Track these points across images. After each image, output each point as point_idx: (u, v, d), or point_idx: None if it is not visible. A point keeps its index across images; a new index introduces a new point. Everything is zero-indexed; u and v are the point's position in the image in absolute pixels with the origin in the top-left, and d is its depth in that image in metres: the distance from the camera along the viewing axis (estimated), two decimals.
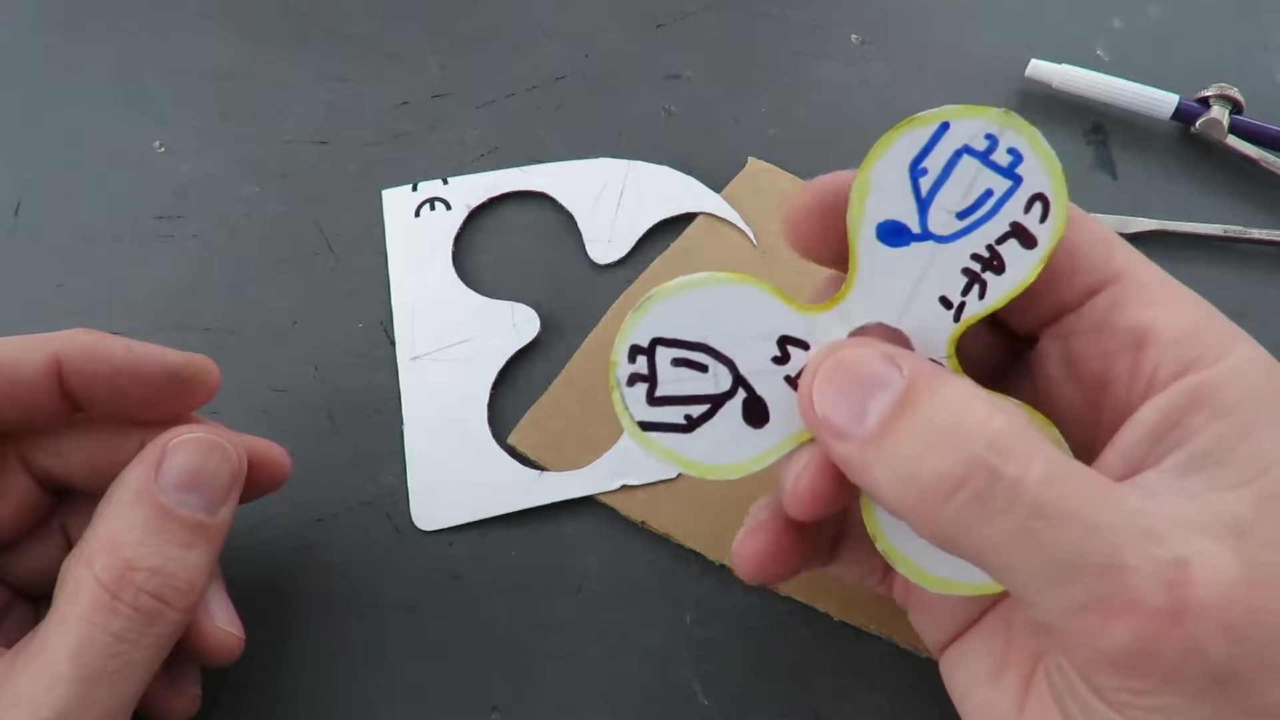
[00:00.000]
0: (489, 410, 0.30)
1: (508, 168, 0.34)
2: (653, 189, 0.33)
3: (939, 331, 0.20)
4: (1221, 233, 0.33)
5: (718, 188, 0.33)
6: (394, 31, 0.37)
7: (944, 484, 0.17)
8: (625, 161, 0.34)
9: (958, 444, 0.17)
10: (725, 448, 0.21)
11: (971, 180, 0.20)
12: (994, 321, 0.22)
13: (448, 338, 0.31)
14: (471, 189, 0.33)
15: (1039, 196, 0.20)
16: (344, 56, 0.36)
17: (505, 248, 0.33)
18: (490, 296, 0.31)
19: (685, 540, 0.28)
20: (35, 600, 0.25)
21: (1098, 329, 0.20)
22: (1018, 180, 0.20)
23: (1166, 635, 0.16)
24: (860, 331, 0.20)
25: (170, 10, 0.37)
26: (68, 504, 0.25)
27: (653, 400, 0.20)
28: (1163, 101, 0.35)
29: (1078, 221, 0.20)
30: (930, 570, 0.21)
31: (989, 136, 0.19)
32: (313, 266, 0.32)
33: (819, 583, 0.27)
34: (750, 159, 0.34)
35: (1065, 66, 0.35)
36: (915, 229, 0.20)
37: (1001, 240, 0.20)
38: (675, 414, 0.21)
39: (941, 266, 0.20)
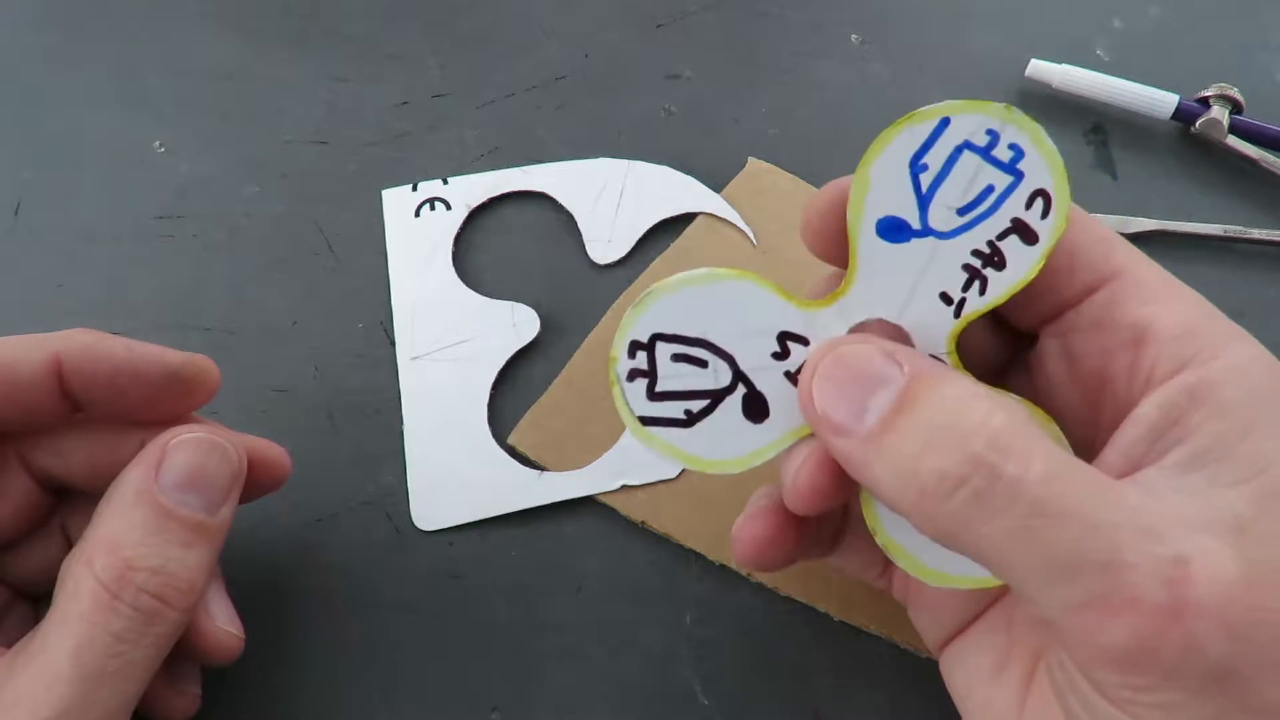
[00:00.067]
0: (489, 410, 0.30)
1: (508, 168, 0.34)
2: (653, 189, 0.33)
3: (939, 327, 0.20)
4: (1221, 233, 0.33)
5: (718, 188, 0.33)
6: (394, 31, 0.37)
7: (944, 482, 0.17)
8: (625, 161, 0.34)
9: (958, 442, 0.17)
10: (725, 443, 0.21)
11: (972, 176, 0.19)
12: (994, 319, 0.22)
13: (448, 338, 0.31)
14: (471, 189, 0.33)
15: (1040, 192, 0.19)
16: (344, 56, 0.36)
17: (505, 248, 0.33)
18: (490, 296, 0.31)
19: (685, 540, 0.28)
20: (35, 600, 0.25)
21: (1097, 326, 0.20)
22: (1019, 176, 0.19)
23: (1166, 633, 0.16)
24: (860, 327, 0.21)
25: (170, 10, 0.37)
26: (68, 504, 0.25)
27: (653, 395, 0.20)
28: (1163, 101, 0.35)
29: (1077, 220, 0.20)
30: (930, 565, 0.21)
31: (990, 132, 0.19)
32: (313, 266, 0.32)
33: (819, 582, 0.27)
34: (750, 159, 0.34)
35: (1065, 66, 0.35)
36: (915, 225, 0.20)
37: (1002, 236, 0.20)
38: (675, 409, 0.21)
39: (942, 262, 0.20)
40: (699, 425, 0.21)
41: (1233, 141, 0.34)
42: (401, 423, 0.30)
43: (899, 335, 0.20)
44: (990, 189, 0.20)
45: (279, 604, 0.27)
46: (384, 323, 0.31)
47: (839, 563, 0.25)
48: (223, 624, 0.24)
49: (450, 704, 0.26)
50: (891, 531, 0.21)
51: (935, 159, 0.19)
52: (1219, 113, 0.34)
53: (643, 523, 0.28)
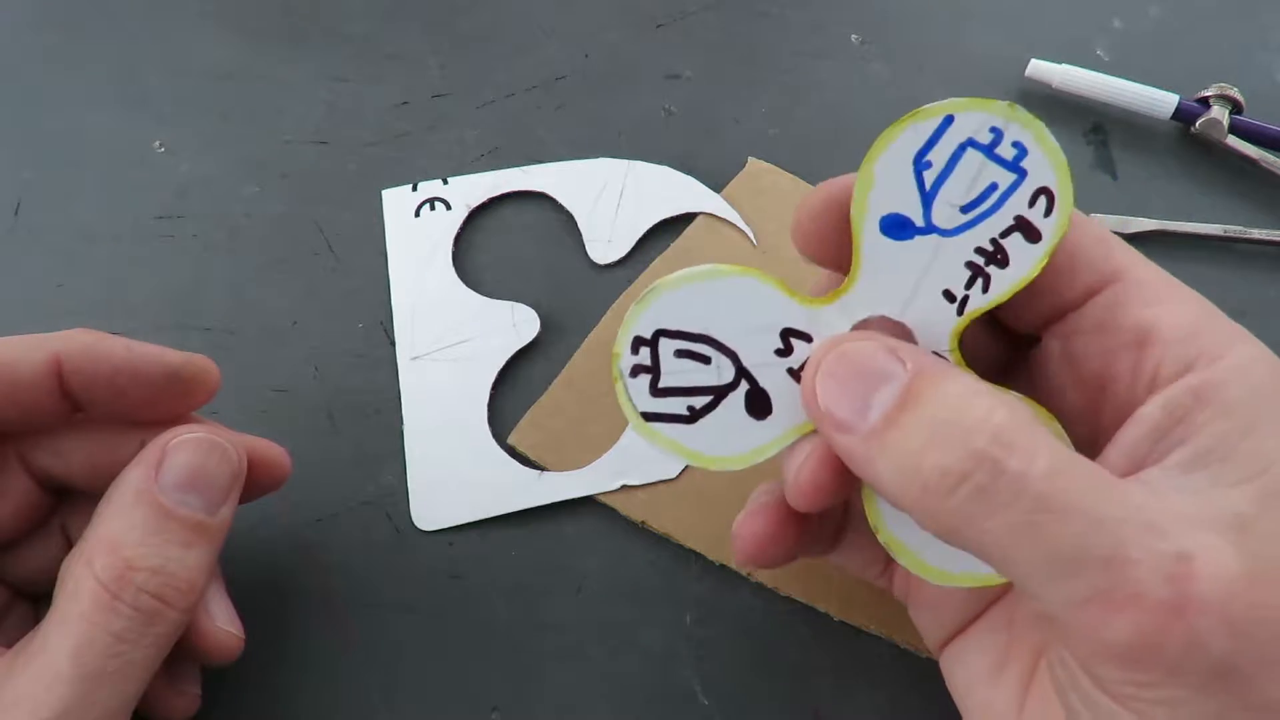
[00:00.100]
0: (489, 410, 0.30)
1: (508, 168, 0.34)
2: (653, 189, 0.33)
3: (942, 325, 0.20)
4: (1221, 233, 0.33)
5: (718, 188, 0.33)
6: (394, 31, 0.37)
7: (947, 478, 0.17)
8: (625, 161, 0.34)
9: (961, 438, 0.17)
10: (727, 439, 0.21)
11: (976, 174, 0.19)
12: (995, 321, 0.22)
13: (448, 338, 0.31)
14: (471, 189, 0.33)
15: (1044, 190, 0.19)
16: (344, 56, 0.36)
17: (505, 248, 0.33)
18: (490, 296, 0.31)
19: (685, 540, 0.28)
20: (35, 600, 0.25)
21: (1099, 328, 0.20)
22: (1022, 174, 0.19)
23: (1169, 629, 0.16)
24: (863, 324, 0.21)
25: (170, 10, 0.37)
26: (68, 504, 0.25)
27: (656, 391, 0.20)
28: (1163, 101, 0.35)
29: (1076, 223, 0.20)
30: (932, 562, 0.21)
31: (994, 130, 0.19)
32: (313, 266, 0.32)
33: (819, 582, 0.27)
34: (750, 159, 0.34)
35: (1065, 66, 0.35)
36: (919, 222, 0.20)
37: (1005, 234, 0.20)
38: (678, 405, 0.21)
39: (945, 260, 0.20)
40: (702, 421, 0.21)
41: (1233, 141, 0.34)
42: (401, 423, 0.30)
43: (902, 332, 0.20)
44: (994, 187, 0.20)
45: (279, 604, 0.27)
46: (384, 323, 0.31)
47: (840, 561, 0.25)
48: (223, 624, 0.24)
49: (450, 704, 0.26)
50: (894, 529, 0.21)
51: (939, 156, 0.19)
52: (1219, 113, 0.34)
53: (643, 523, 0.28)
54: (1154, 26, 0.38)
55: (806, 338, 0.20)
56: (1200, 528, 0.16)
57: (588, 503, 0.29)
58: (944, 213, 0.20)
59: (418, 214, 0.33)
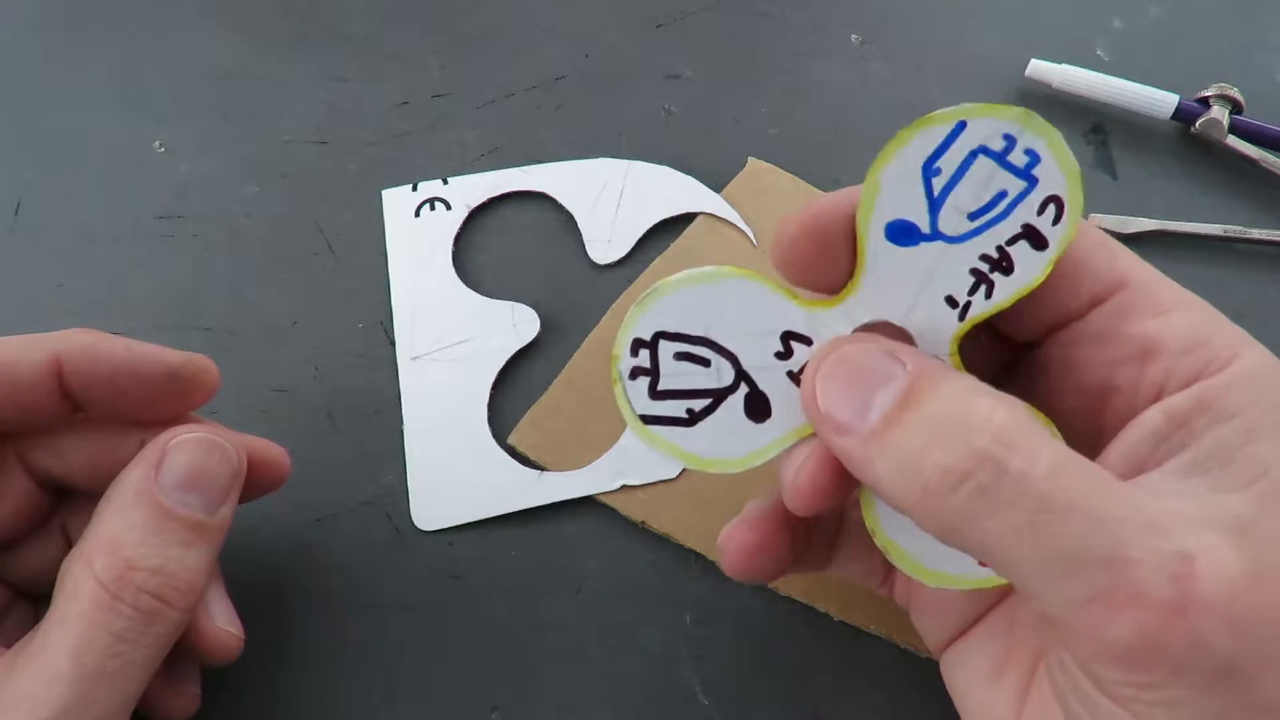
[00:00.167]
0: (489, 410, 0.30)
1: (508, 168, 0.34)
2: (653, 189, 0.33)
3: (943, 330, 0.20)
4: (1221, 233, 0.33)
5: (718, 188, 0.33)
6: (394, 31, 0.37)
7: (948, 477, 0.17)
8: (625, 161, 0.34)
9: (962, 437, 0.17)
10: (726, 442, 0.21)
11: (986, 181, 0.19)
12: (991, 329, 0.22)
13: (448, 338, 0.31)
14: (471, 189, 0.33)
15: (1054, 198, 0.19)
16: (344, 56, 0.36)
17: (505, 248, 0.33)
18: (490, 296, 0.31)
19: (685, 540, 0.28)
20: (35, 600, 0.25)
21: (1102, 338, 0.20)
22: (1033, 182, 0.19)
23: (1171, 628, 0.16)
24: (864, 329, 0.20)
25: (170, 10, 0.37)
26: (68, 504, 0.25)
27: (655, 394, 0.20)
28: (1163, 101, 0.35)
29: (1079, 230, 0.20)
30: (929, 565, 0.21)
31: (1007, 136, 0.19)
32: (313, 266, 0.32)
33: (819, 583, 0.27)
34: (750, 159, 0.34)
35: (1065, 66, 0.35)
36: (925, 229, 0.20)
37: (1012, 241, 0.20)
38: (677, 407, 0.21)
39: (950, 266, 0.20)
40: (700, 424, 0.21)
41: (1233, 141, 0.34)
42: (401, 423, 0.30)
43: (902, 337, 0.20)
44: (1003, 194, 0.19)
45: (279, 604, 0.27)
46: (384, 323, 0.31)
47: (838, 573, 0.25)
48: (223, 624, 0.24)
49: (450, 704, 0.26)
50: (891, 532, 0.21)
51: (949, 163, 0.19)
52: (1219, 113, 0.34)
53: (643, 523, 0.28)
54: (1154, 26, 0.38)
55: (807, 341, 0.20)
56: (1201, 528, 0.16)
57: (588, 503, 0.29)
58: (951, 220, 0.20)
59: (418, 214, 0.33)
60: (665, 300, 0.20)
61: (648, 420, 0.21)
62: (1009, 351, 0.23)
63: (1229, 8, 0.38)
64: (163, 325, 0.31)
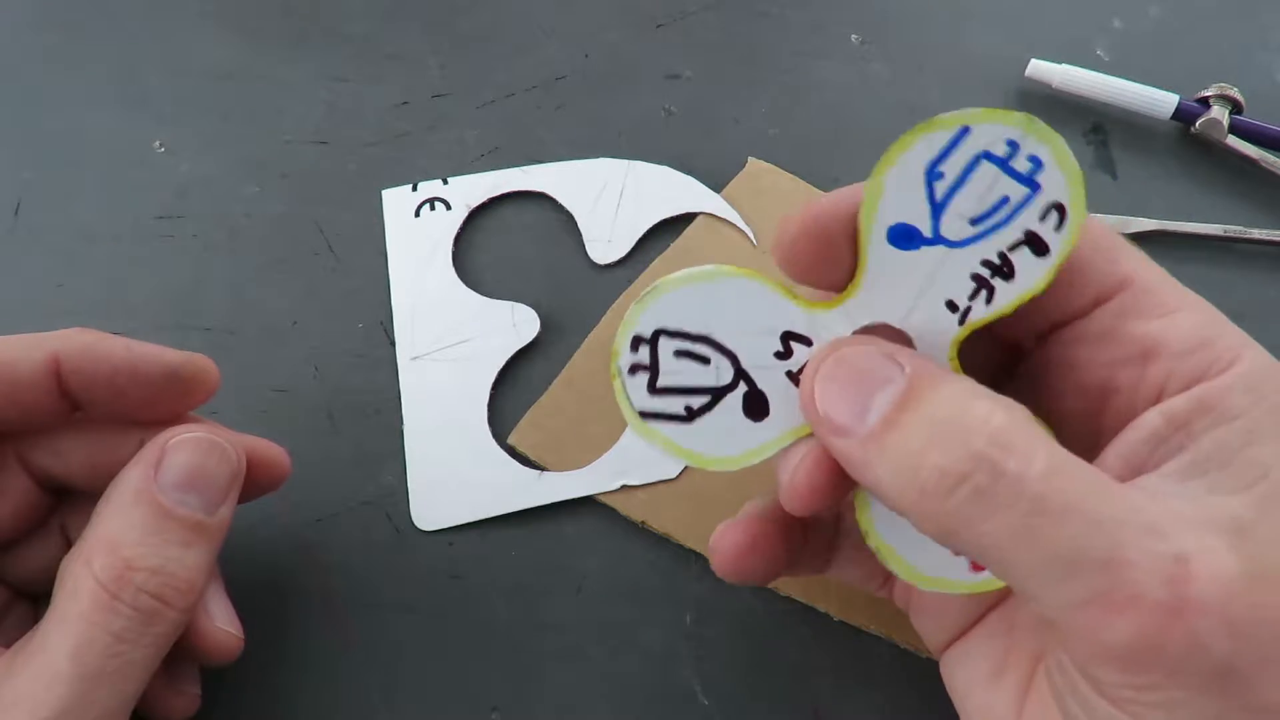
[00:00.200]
0: (489, 410, 0.30)
1: (508, 168, 0.34)
2: (653, 189, 0.33)
3: (943, 334, 0.20)
4: (1221, 233, 0.33)
5: (718, 188, 0.33)
6: (394, 31, 0.37)
7: (946, 479, 0.17)
8: (625, 161, 0.34)
9: (959, 439, 0.17)
10: (724, 440, 0.21)
11: (989, 186, 0.19)
12: (992, 329, 0.22)
13: (448, 338, 0.31)
14: (471, 189, 0.33)
15: (1056, 205, 0.19)
16: (344, 56, 0.36)
17: (505, 248, 0.33)
18: (490, 296, 0.31)
19: (685, 540, 0.28)
20: (35, 600, 0.25)
21: (1104, 339, 0.20)
22: (1036, 188, 0.19)
23: (1169, 630, 0.16)
24: (864, 331, 0.20)
25: (170, 10, 0.37)
26: (67, 504, 0.25)
27: (654, 390, 0.20)
28: (1163, 101, 0.35)
29: (1083, 228, 0.20)
30: (921, 569, 0.21)
31: (1010, 142, 0.19)
32: (313, 266, 0.32)
33: (819, 583, 0.27)
34: (750, 159, 0.34)
35: (1065, 66, 0.35)
36: (927, 233, 0.20)
37: (1014, 247, 0.20)
38: (675, 404, 0.21)
39: (951, 271, 0.20)
40: (699, 422, 0.21)
41: (1233, 141, 0.34)
42: (401, 423, 0.30)
43: (902, 340, 0.20)
44: (1005, 200, 0.19)
45: (279, 604, 0.27)
46: (384, 323, 0.31)
47: (837, 576, 0.25)
48: (222, 624, 0.24)
49: (450, 704, 0.26)
50: (884, 535, 0.21)
51: (952, 167, 0.19)
52: (1219, 113, 0.34)
53: (643, 523, 0.28)
54: (1154, 26, 0.38)
55: (806, 342, 0.20)
56: (1198, 530, 0.16)
57: (588, 503, 0.29)
58: (953, 224, 0.20)
59: (418, 214, 0.33)
60: (666, 298, 0.20)
61: (646, 416, 0.21)
62: (1009, 352, 0.23)
63: (1229, 8, 0.38)
64: (163, 325, 0.31)
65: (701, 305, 0.20)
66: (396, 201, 0.33)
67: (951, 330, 0.20)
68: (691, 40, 0.37)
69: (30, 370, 0.22)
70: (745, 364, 0.20)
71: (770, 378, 0.20)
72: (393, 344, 0.31)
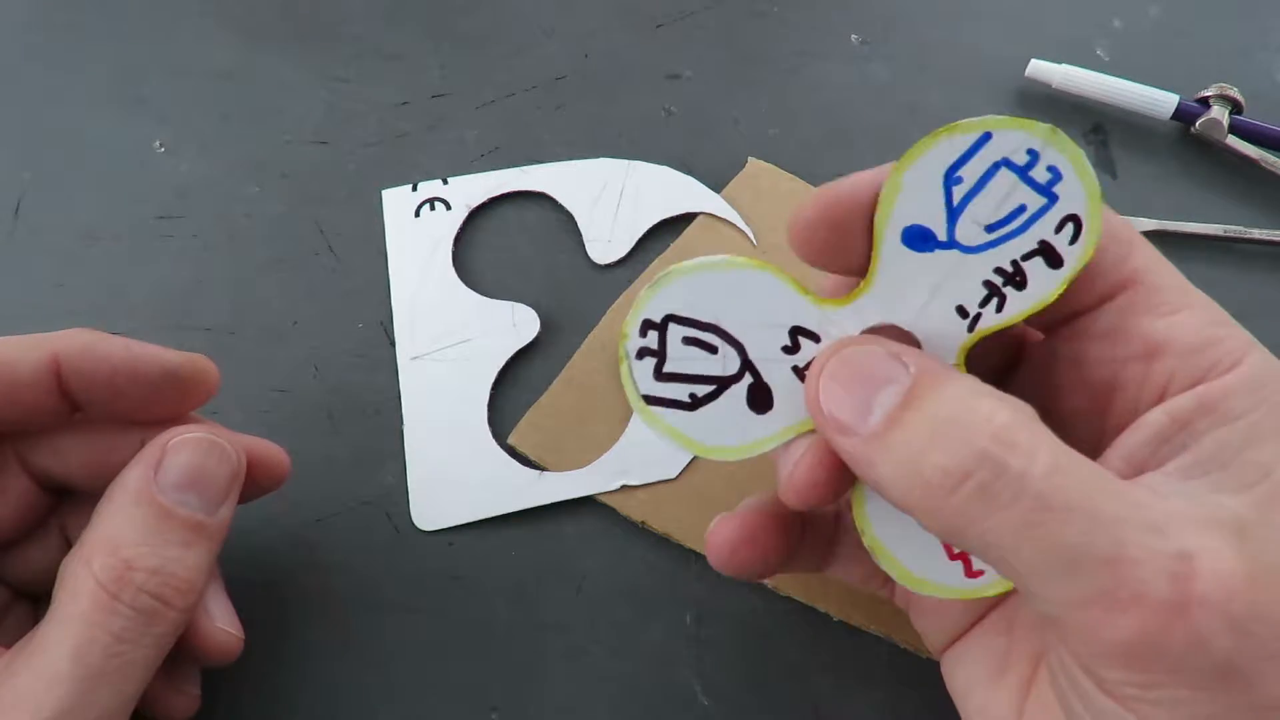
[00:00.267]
0: (489, 410, 0.30)
1: (508, 168, 0.34)
2: (653, 189, 0.33)
3: (951, 339, 0.20)
4: (1221, 233, 0.33)
5: (718, 188, 0.33)
6: (394, 31, 0.37)
7: (949, 477, 0.17)
8: (625, 161, 0.34)
9: (962, 437, 0.17)
10: (726, 430, 0.21)
11: (1006, 194, 0.19)
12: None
13: (448, 338, 0.31)
14: (471, 189, 0.33)
15: (1072, 218, 0.19)
16: (344, 56, 0.36)
17: (505, 248, 0.33)
18: (490, 296, 0.31)
19: (685, 540, 0.28)
20: (35, 600, 0.25)
21: (1110, 335, 0.20)
22: (1053, 199, 0.19)
23: (1171, 628, 0.16)
24: (873, 331, 0.20)
25: (170, 10, 0.37)
26: (67, 504, 0.25)
27: (660, 375, 0.20)
28: (1163, 101, 0.35)
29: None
30: (915, 571, 0.21)
31: (1031, 151, 0.19)
32: (313, 266, 0.32)
33: (819, 583, 0.27)
34: (750, 159, 0.34)
35: (1065, 66, 0.35)
36: (942, 236, 0.20)
37: (1027, 257, 0.20)
38: (680, 391, 0.21)
39: (963, 276, 0.20)
40: (702, 410, 0.21)
41: (1233, 141, 0.34)
42: (401, 423, 0.30)
43: (910, 342, 0.20)
44: (1022, 209, 0.19)
45: (279, 604, 0.27)
46: (384, 323, 0.31)
47: (838, 574, 0.25)
48: (222, 624, 0.24)
49: (450, 704, 0.26)
50: (880, 534, 0.21)
51: (971, 172, 0.19)
52: (1219, 113, 0.34)
53: (643, 523, 0.28)
54: (1154, 26, 0.38)
55: (815, 338, 0.20)
56: (1200, 528, 0.16)
57: (588, 503, 0.29)
58: (968, 229, 0.20)
59: (418, 214, 0.33)
60: (678, 283, 0.20)
61: (650, 401, 0.21)
62: (1013, 348, 0.23)
63: (1229, 8, 0.38)
64: (163, 325, 0.31)
65: (713, 294, 0.20)
66: (396, 201, 0.33)
67: (960, 336, 0.20)
68: (691, 40, 0.37)
69: (30, 370, 0.22)
70: (752, 356, 0.20)
71: (776, 371, 0.20)
72: (393, 344, 0.31)
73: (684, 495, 0.28)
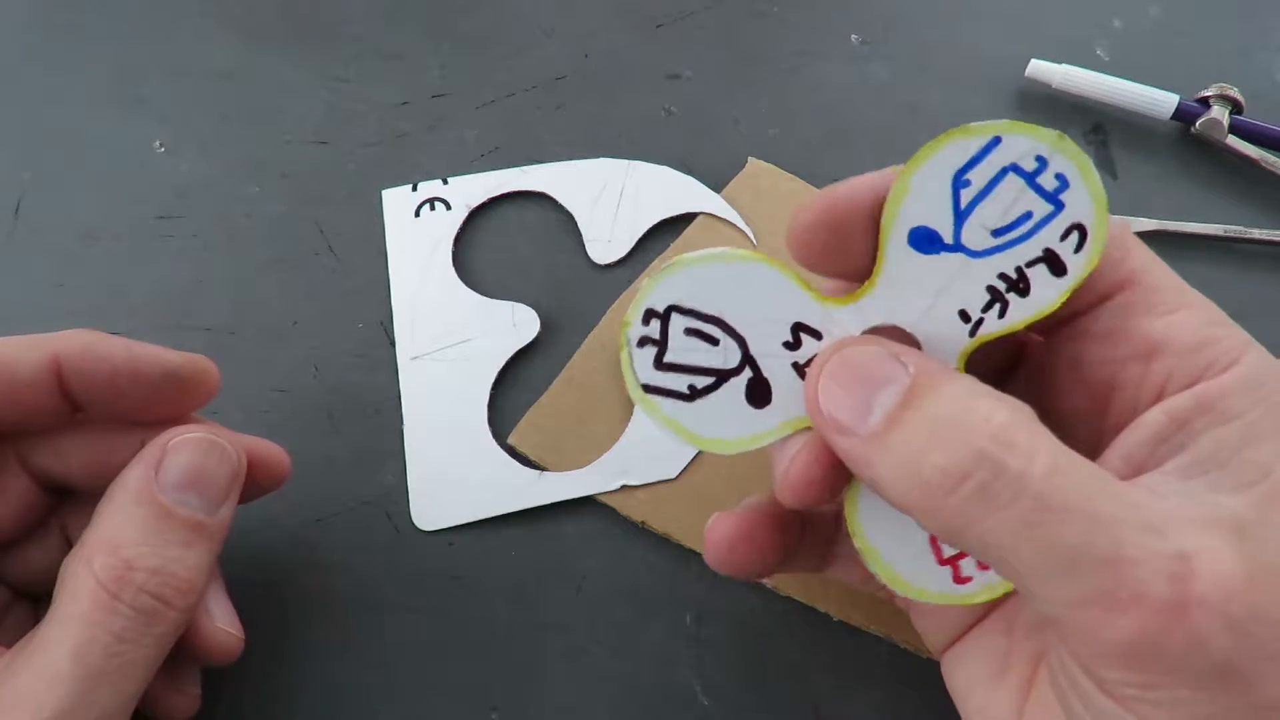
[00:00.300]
0: (489, 410, 0.30)
1: (508, 168, 0.34)
2: (653, 189, 0.33)
3: (953, 343, 0.20)
4: (1221, 233, 0.33)
5: (718, 188, 0.33)
6: (394, 31, 0.37)
7: (948, 478, 0.17)
8: (625, 161, 0.34)
9: (961, 437, 0.17)
10: (723, 422, 0.21)
11: (1014, 199, 0.19)
12: None
13: (448, 338, 0.31)
14: (471, 189, 0.33)
15: (1078, 226, 0.19)
16: (344, 56, 0.36)
17: (505, 248, 0.33)
18: (490, 296, 0.31)
19: (685, 540, 0.28)
20: (36, 600, 0.25)
21: (1108, 335, 0.20)
22: (1060, 206, 0.19)
23: (1171, 629, 0.16)
24: (874, 331, 0.20)
25: (170, 10, 0.37)
26: (68, 504, 0.25)
27: (660, 365, 0.20)
28: (1163, 101, 0.35)
29: None
30: (905, 575, 0.21)
31: (1039, 158, 0.19)
32: (313, 266, 0.32)
33: (819, 583, 0.27)
34: (750, 159, 0.34)
35: (1065, 66, 0.35)
36: (948, 239, 0.20)
37: (1032, 264, 0.20)
38: (679, 381, 0.21)
39: (967, 280, 0.20)
40: (700, 401, 0.21)
41: (1233, 141, 0.34)
42: (401, 423, 0.30)
43: (912, 344, 0.20)
44: (1029, 215, 0.19)
45: (279, 604, 0.27)
46: (384, 323, 0.31)
47: (838, 575, 0.25)
48: (222, 624, 0.24)
49: (450, 704, 0.26)
50: (871, 536, 0.21)
51: (980, 176, 0.19)
52: (1219, 113, 0.34)
53: (643, 523, 0.28)
54: (1154, 26, 0.38)
55: (817, 335, 0.20)
56: (1199, 528, 0.16)
57: (588, 503, 0.29)
58: (974, 233, 0.20)
59: (418, 214, 0.33)
60: (684, 274, 0.20)
61: (649, 390, 0.21)
62: (1012, 349, 0.23)
63: (1229, 8, 0.38)
64: (163, 325, 0.31)
65: (718, 286, 0.20)
66: (396, 201, 0.33)
67: (962, 341, 0.20)
68: (691, 40, 0.37)
69: (31, 371, 0.22)
70: (753, 350, 0.20)
71: (776, 366, 0.20)
72: (393, 344, 0.31)
73: (684, 495, 0.28)
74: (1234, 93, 0.34)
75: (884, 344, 0.19)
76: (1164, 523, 0.16)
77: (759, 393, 0.21)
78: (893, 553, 0.21)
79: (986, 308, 0.20)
